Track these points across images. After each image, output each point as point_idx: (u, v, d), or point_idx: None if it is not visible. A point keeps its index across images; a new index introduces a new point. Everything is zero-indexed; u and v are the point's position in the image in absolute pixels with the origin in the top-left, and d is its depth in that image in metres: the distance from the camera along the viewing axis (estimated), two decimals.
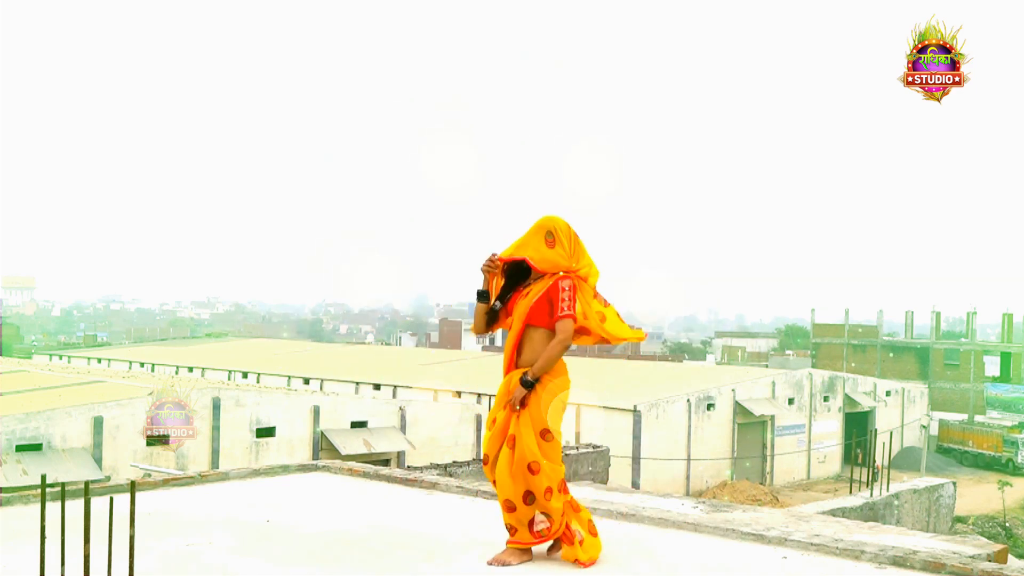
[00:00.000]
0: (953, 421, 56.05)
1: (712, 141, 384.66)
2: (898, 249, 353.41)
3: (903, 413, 53.21)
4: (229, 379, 46.08)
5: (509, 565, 5.39)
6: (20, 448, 21.63)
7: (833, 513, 12.57)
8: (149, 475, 15.78)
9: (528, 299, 5.43)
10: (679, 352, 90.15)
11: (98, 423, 22.99)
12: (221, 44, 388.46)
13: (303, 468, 8.78)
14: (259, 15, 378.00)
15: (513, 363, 5.49)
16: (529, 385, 5.36)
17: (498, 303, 5.58)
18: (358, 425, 28.80)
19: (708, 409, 40.35)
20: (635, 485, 33.96)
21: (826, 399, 47.98)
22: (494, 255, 5.49)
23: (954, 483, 17.86)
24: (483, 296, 5.54)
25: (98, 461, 22.67)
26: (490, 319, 5.61)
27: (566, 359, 5.65)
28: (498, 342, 64.42)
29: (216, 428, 25.34)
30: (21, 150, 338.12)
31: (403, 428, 29.53)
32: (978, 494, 41.29)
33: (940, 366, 64.76)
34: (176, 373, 49.84)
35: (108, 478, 21.38)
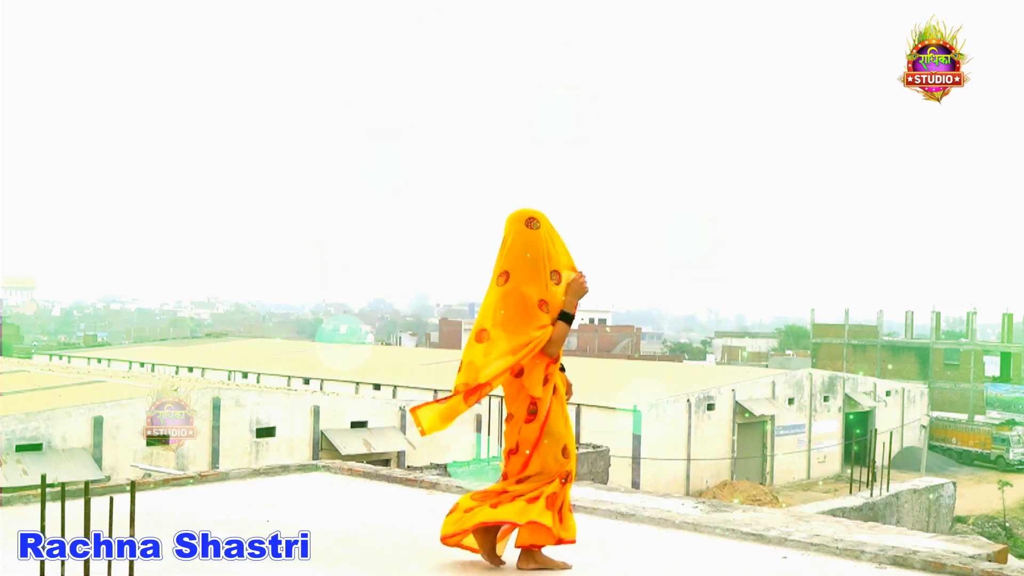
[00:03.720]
0: (935, 418, 56.13)
1: (712, 141, 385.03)
2: (898, 249, 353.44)
3: (903, 413, 53.22)
4: (229, 379, 46.03)
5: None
6: (20, 448, 21.64)
7: (833, 513, 12.54)
8: (149, 475, 15.76)
9: None
10: (679, 352, 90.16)
11: (98, 423, 23.00)
12: (216, 45, 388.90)
13: (303, 468, 8.78)
14: (249, 17, 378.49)
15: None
16: None
17: None
18: (358, 425, 28.81)
19: (708, 409, 40.35)
20: (635, 485, 33.95)
21: (826, 399, 47.98)
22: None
23: (954, 483, 17.83)
24: (572, 318, 5.22)
25: (98, 461, 22.68)
26: None
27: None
28: None
29: (216, 428, 25.34)
30: (21, 150, 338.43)
31: (403, 428, 29.52)
32: (978, 494, 41.28)
33: (940, 366, 64.75)
34: (176, 373, 49.82)
35: (108, 478, 21.37)
